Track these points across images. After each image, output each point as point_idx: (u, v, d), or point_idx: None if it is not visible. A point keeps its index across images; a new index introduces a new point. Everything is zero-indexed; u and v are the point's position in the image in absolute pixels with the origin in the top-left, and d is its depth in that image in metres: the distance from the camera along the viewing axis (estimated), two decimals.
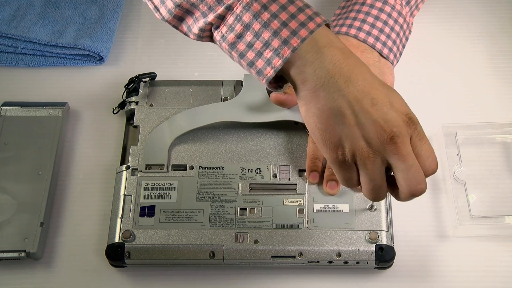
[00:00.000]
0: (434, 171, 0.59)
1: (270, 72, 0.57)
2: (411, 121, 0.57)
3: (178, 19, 0.62)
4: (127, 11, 0.93)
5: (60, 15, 0.89)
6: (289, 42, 0.56)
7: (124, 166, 0.75)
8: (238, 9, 0.57)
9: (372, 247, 0.70)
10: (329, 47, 0.56)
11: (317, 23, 0.57)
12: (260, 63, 0.57)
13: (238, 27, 0.57)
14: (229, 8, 0.57)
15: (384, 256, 0.70)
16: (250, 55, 0.58)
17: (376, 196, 0.60)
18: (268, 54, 0.57)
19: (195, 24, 0.60)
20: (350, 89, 0.56)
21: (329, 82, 0.56)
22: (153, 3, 0.62)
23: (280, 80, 0.60)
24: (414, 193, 0.59)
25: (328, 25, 0.59)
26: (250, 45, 0.57)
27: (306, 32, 0.56)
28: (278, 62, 0.56)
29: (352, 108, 0.56)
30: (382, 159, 0.57)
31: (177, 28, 0.63)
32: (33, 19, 0.88)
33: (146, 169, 0.75)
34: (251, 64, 0.58)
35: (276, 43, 0.56)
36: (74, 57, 0.87)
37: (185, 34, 0.63)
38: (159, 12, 0.62)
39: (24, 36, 0.86)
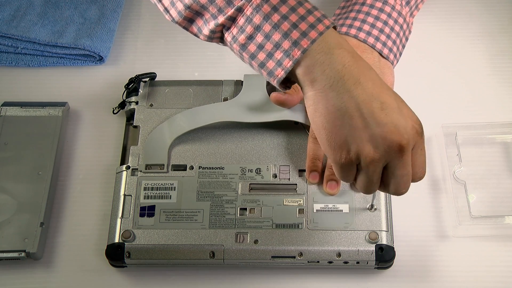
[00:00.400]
0: (421, 179, 0.61)
1: (281, 73, 0.58)
2: (421, 130, 0.58)
3: (188, 20, 0.62)
4: (127, 11, 0.93)
5: (60, 15, 0.89)
6: (299, 43, 0.56)
7: (124, 166, 0.75)
8: (248, 11, 0.57)
9: (372, 247, 0.70)
10: (338, 49, 0.57)
11: (325, 25, 0.57)
12: (271, 64, 0.58)
13: (249, 29, 0.58)
14: (240, 10, 0.58)
15: (384, 256, 0.70)
16: (261, 56, 0.58)
17: (368, 191, 0.61)
18: (278, 55, 0.57)
19: (205, 26, 0.60)
20: (359, 91, 0.56)
21: (338, 82, 0.56)
22: (163, 5, 0.62)
23: (289, 80, 0.60)
24: (396, 195, 0.61)
25: (335, 27, 0.59)
26: (260, 46, 0.58)
27: (316, 33, 0.56)
28: (288, 63, 0.57)
29: (360, 110, 0.56)
30: (384, 162, 0.57)
31: (187, 29, 0.63)
32: (33, 19, 0.88)
33: (146, 169, 0.75)
34: (262, 65, 0.58)
35: (286, 44, 0.56)
36: (74, 57, 0.87)
37: (195, 35, 0.63)
38: (169, 13, 0.62)
39: (24, 36, 0.86)
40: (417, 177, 0.60)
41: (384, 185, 0.60)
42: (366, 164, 0.57)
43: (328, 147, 0.58)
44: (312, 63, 0.56)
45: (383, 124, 0.56)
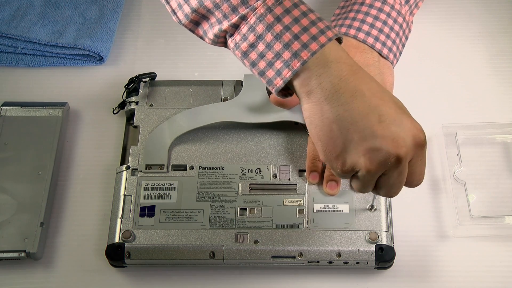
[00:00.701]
0: (418, 185, 0.61)
1: (279, 83, 0.58)
2: (422, 141, 0.58)
3: (195, 23, 0.62)
4: (127, 11, 0.93)
5: (60, 15, 0.89)
6: (300, 55, 0.56)
7: (124, 166, 0.75)
8: (252, 20, 0.57)
9: (372, 247, 0.70)
10: (336, 62, 0.57)
11: (328, 37, 0.57)
12: (270, 73, 0.58)
13: (251, 37, 0.58)
14: (244, 18, 0.58)
15: (384, 256, 0.70)
16: (262, 64, 0.58)
17: (362, 192, 0.61)
18: (278, 65, 0.57)
19: (210, 30, 0.61)
20: (355, 104, 0.56)
21: (333, 96, 0.56)
22: (170, 6, 0.63)
23: (288, 89, 0.61)
24: (386, 197, 0.62)
25: (339, 39, 0.59)
26: (261, 55, 0.58)
27: (317, 46, 0.56)
28: (287, 74, 0.57)
29: (356, 123, 0.56)
30: (380, 173, 0.58)
31: (193, 31, 0.64)
32: (33, 19, 0.88)
33: (146, 169, 0.75)
34: (261, 73, 0.59)
35: (287, 55, 0.57)
36: (74, 57, 0.87)
37: (201, 37, 0.64)
38: (176, 15, 0.63)
39: (24, 36, 0.86)
40: (414, 184, 0.61)
41: (376, 187, 0.60)
42: (362, 175, 0.58)
43: (325, 157, 0.59)
44: (309, 75, 0.57)
45: (381, 137, 0.56)
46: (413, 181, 0.60)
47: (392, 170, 0.57)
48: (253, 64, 0.59)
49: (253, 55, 0.58)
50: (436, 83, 0.85)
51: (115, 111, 0.82)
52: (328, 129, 0.57)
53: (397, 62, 0.80)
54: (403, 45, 0.81)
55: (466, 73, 0.86)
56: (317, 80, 0.56)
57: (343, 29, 0.78)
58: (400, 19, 0.79)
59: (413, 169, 0.59)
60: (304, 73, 0.57)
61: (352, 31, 0.77)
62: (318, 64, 0.56)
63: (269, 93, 0.76)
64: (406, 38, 0.81)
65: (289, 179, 0.74)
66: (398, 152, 0.56)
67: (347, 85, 0.56)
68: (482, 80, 0.85)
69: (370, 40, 0.77)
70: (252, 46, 0.58)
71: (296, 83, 0.58)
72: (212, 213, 0.72)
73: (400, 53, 0.80)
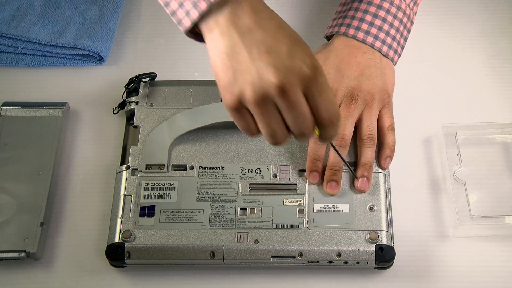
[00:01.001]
0: (332, 123, 0.59)
1: (188, 23, 0.59)
2: (311, 71, 0.56)
3: None
4: (127, 11, 0.93)
5: (60, 15, 0.89)
6: None
7: (124, 166, 0.75)
8: None
9: (372, 247, 0.70)
10: (237, 3, 0.58)
11: None
12: (180, 13, 0.60)
13: None
14: None
15: (384, 256, 0.70)
16: (174, 5, 0.60)
17: (274, 141, 0.60)
18: (188, 6, 0.59)
19: None
20: (247, 37, 0.57)
21: (229, 31, 0.57)
22: None
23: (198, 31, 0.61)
24: (299, 138, 0.59)
25: None
26: None
27: None
28: (195, 15, 0.58)
29: (244, 54, 0.57)
30: (268, 103, 0.57)
31: None
32: (33, 19, 0.88)
33: (146, 169, 0.75)
34: (173, 13, 0.60)
35: None
36: (74, 57, 0.87)
37: None
38: None
39: (24, 36, 0.86)
40: (327, 121, 0.58)
41: (287, 129, 0.59)
42: (251, 106, 0.57)
43: (220, 90, 0.59)
44: (209, 13, 0.58)
45: (264, 66, 0.56)
46: (322, 117, 0.58)
47: (280, 100, 0.56)
48: (166, 4, 0.60)
49: None
50: (436, 83, 0.85)
51: (115, 111, 0.82)
52: (221, 61, 0.58)
53: (399, 57, 0.80)
54: (405, 39, 0.80)
55: (466, 73, 0.86)
56: (215, 18, 0.58)
57: (343, 29, 0.78)
58: (400, 14, 0.79)
59: (315, 104, 0.57)
60: (208, 14, 0.58)
61: (351, 31, 0.77)
62: (218, 4, 0.57)
63: None
64: (408, 31, 0.81)
65: (289, 179, 0.74)
66: (280, 80, 0.55)
67: (243, 22, 0.57)
68: (481, 80, 0.85)
69: (370, 39, 0.77)
70: None
71: (200, 22, 0.59)
72: (212, 213, 0.72)
73: (402, 48, 0.80)
